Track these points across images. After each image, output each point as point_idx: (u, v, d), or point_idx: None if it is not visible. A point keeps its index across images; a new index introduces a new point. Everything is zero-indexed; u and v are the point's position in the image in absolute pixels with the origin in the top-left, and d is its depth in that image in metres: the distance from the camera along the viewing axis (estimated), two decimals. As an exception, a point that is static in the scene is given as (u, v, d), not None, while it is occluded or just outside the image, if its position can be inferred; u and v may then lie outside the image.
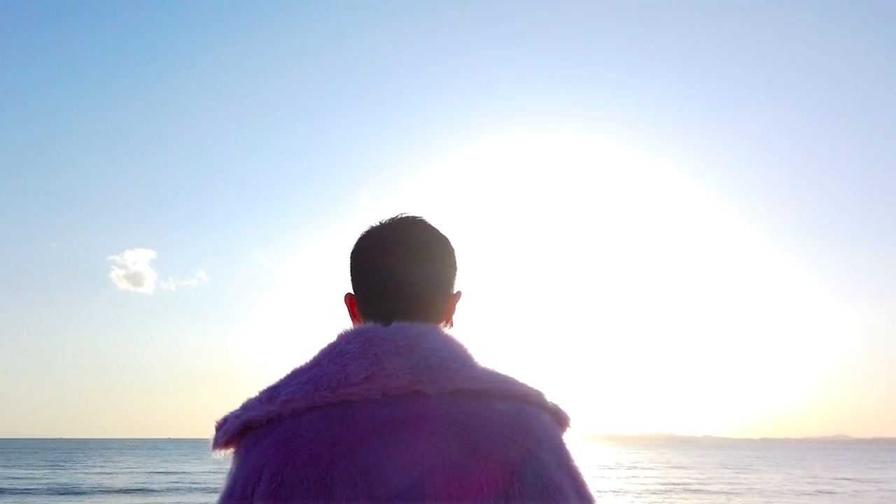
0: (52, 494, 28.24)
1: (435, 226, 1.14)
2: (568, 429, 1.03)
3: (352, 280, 1.14)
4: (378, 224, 1.14)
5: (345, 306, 1.16)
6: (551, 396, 1.03)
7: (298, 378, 1.00)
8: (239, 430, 0.98)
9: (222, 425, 1.01)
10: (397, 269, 1.08)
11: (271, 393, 1.00)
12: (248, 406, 1.00)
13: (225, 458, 1.01)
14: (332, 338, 1.05)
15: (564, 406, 1.04)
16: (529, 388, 1.01)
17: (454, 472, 0.92)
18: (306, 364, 1.03)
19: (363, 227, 1.14)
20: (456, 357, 1.00)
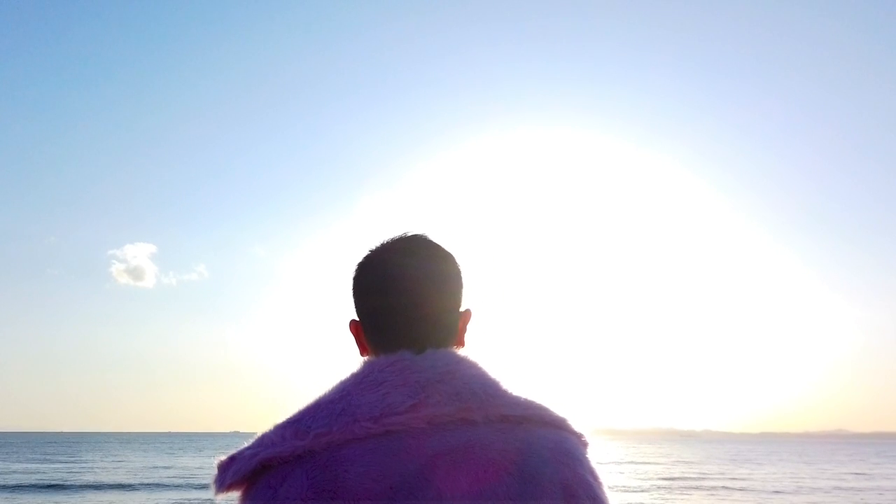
0: (51, 490, 27.97)
1: (439, 244, 1.10)
2: (588, 451, 1.06)
3: (357, 307, 1.09)
4: (380, 246, 1.09)
5: (350, 333, 1.11)
6: (574, 422, 1.05)
7: (327, 409, 0.95)
8: (255, 469, 0.91)
9: (229, 465, 0.94)
10: (408, 297, 1.04)
11: (296, 427, 0.94)
12: (267, 442, 0.93)
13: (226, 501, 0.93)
14: (354, 367, 1.01)
15: (583, 430, 1.07)
16: (559, 414, 1.03)
17: (518, 498, 0.91)
18: (332, 394, 0.98)
19: (362, 252, 1.10)
20: (493, 383, 1.00)
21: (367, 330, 1.07)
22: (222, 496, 0.94)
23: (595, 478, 1.01)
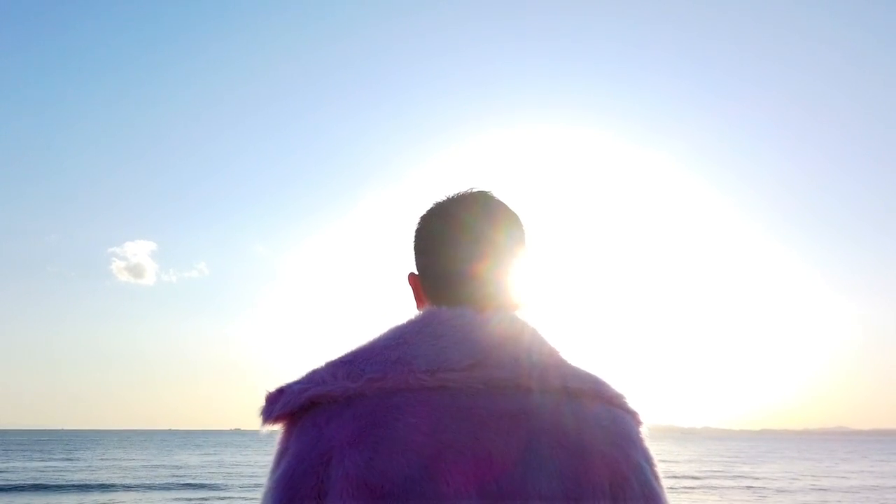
0: (52, 490, 27.48)
1: (505, 202, 1.08)
2: (643, 430, 1.02)
3: (417, 260, 1.07)
4: (446, 199, 1.07)
5: (408, 286, 1.10)
6: (632, 399, 1.01)
7: (382, 355, 0.93)
8: (304, 404, 0.90)
9: (277, 397, 0.93)
10: (470, 253, 1.02)
11: (349, 367, 0.92)
12: (318, 379, 0.92)
13: (270, 435, 0.92)
14: (410, 315, 0.99)
15: (641, 409, 1.03)
16: (617, 390, 1.00)
17: (567, 472, 0.89)
18: (388, 339, 0.95)
19: (428, 204, 1.08)
20: (553, 352, 0.98)
21: (428, 283, 1.05)
22: (269, 427, 0.93)
23: (648, 461, 0.97)
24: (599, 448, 0.92)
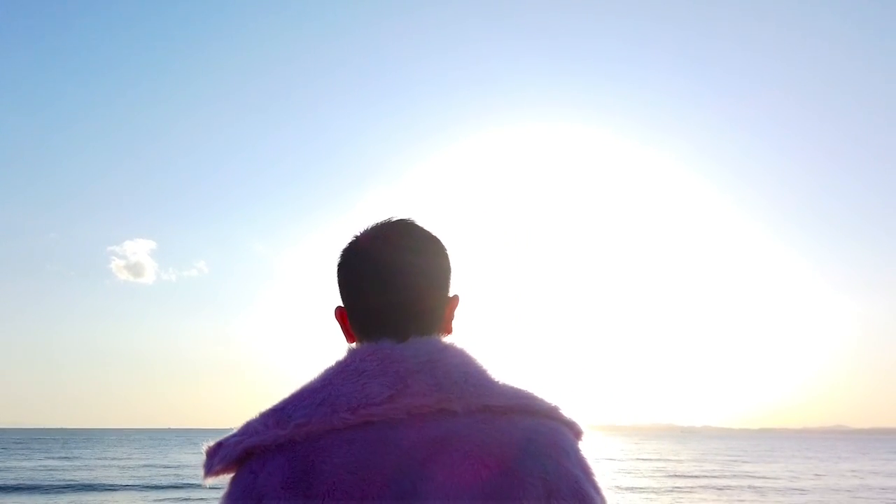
0: (53, 490, 27.23)
1: (425, 228, 1.08)
2: (581, 441, 1.01)
3: (342, 293, 1.07)
4: (365, 232, 1.07)
5: (336, 321, 1.10)
6: (566, 410, 1.01)
7: (309, 399, 0.94)
8: (240, 456, 0.93)
9: (216, 451, 0.95)
10: (393, 283, 1.02)
11: (278, 415, 0.94)
12: (251, 430, 0.94)
13: (216, 484, 0.95)
14: (339, 355, 1.00)
15: (576, 418, 1.02)
16: (548, 402, 0.99)
17: (495, 492, 0.88)
18: (315, 383, 0.97)
19: (347, 237, 1.08)
20: (477, 372, 0.97)
21: (353, 317, 1.06)
22: (210, 481, 0.95)
23: (584, 470, 0.96)
24: (526, 463, 0.91)
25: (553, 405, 0.99)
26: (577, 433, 1.01)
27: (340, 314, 1.08)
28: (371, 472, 0.88)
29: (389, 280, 1.02)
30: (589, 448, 1.00)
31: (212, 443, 0.97)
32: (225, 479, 0.95)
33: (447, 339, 1.01)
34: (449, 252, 1.08)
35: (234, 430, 0.96)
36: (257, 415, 0.96)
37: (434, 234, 1.08)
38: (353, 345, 1.02)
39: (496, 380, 0.98)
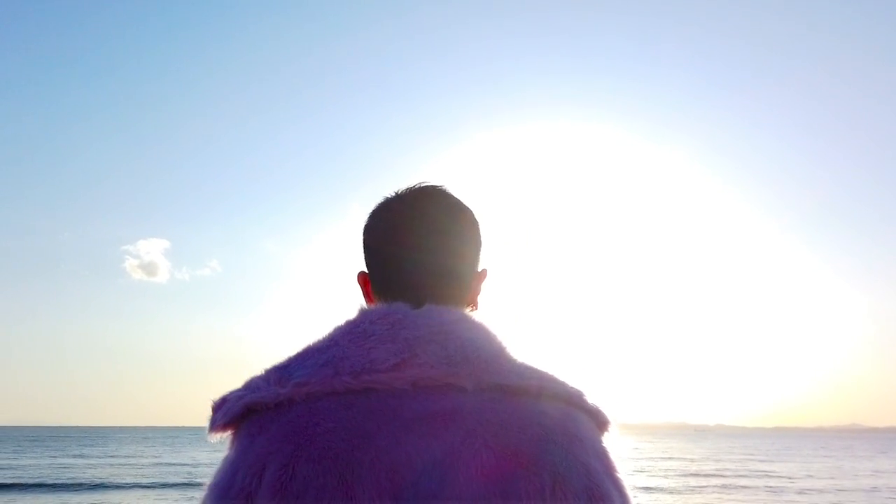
0: (58, 490, 27.23)
1: (458, 197, 1.03)
2: (607, 432, 0.95)
3: (366, 257, 1.03)
4: (395, 195, 1.03)
5: (357, 285, 1.06)
6: (592, 397, 0.94)
7: (313, 358, 0.90)
8: (241, 412, 0.89)
9: (221, 405, 0.92)
10: (419, 247, 0.98)
11: (281, 373, 0.90)
12: (253, 386, 0.91)
13: (221, 442, 0.92)
14: (351, 314, 0.95)
15: (605, 407, 0.95)
16: (570, 387, 0.93)
17: (494, 475, 0.83)
18: (321, 342, 0.93)
19: (377, 199, 1.04)
20: (493, 348, 0.92)
21: (374, 282, 1.02)
22: (215, 436, 0.92)
23: (604, 463, 0.89)
24: (534, 450, 0.85)
25: (576, 390, 0.93)
26: (602, 423, 0.94)
27: (363, 279, 1.04)
28: (365, 440, 0.84)
29: (416, 242, 0.97)
30: (615, 442, 0.93)
31: (217, 398, 0.94)
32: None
33: (468, 312, 0.96)
34: (480, 224, 1.04)
35: (240, 385, 0.93)
36: (262, 371, 0.93)
37: (465, 203, 1.03)
38: (365, 304, 0.97)
39: (515, 359, 0.92)
